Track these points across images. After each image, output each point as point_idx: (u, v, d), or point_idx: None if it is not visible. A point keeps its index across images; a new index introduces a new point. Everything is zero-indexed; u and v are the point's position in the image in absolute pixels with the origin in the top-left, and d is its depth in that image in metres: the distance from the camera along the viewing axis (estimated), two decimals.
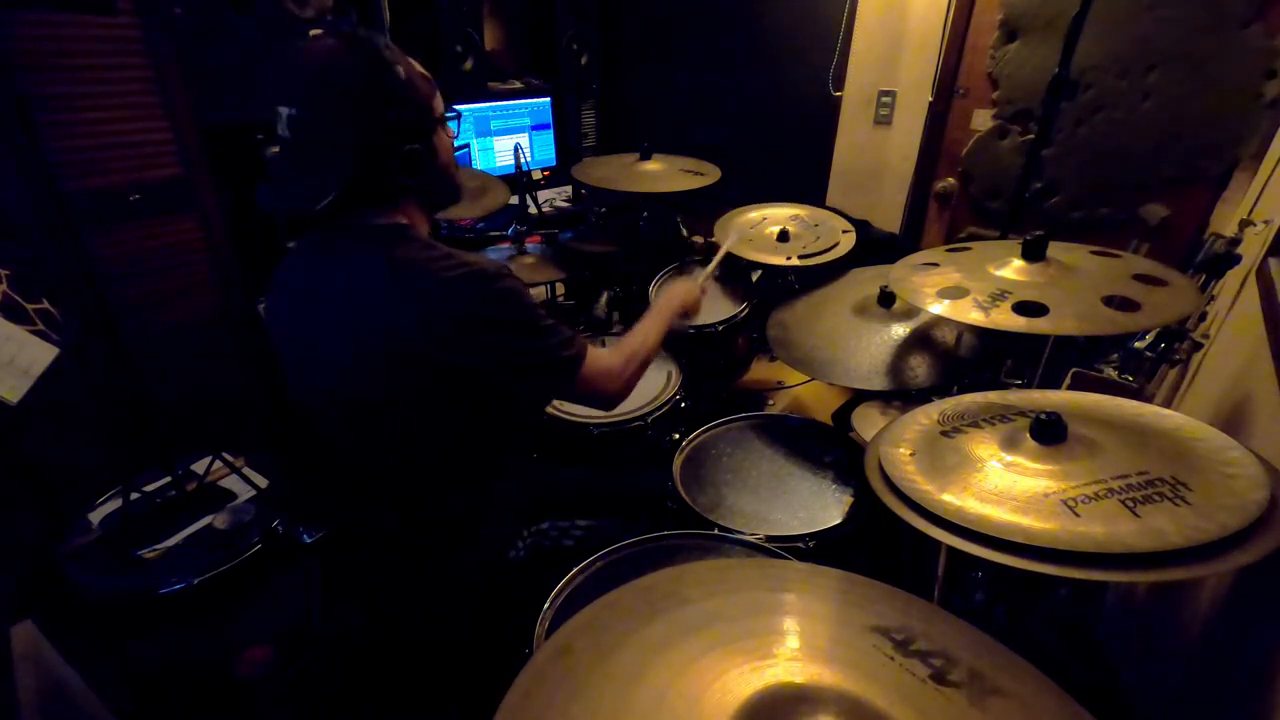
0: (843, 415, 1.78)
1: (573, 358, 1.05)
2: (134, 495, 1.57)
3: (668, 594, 0.69)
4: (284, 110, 0.93)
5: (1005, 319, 1.02)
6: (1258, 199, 1.59)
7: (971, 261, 1.21)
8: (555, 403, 1.61)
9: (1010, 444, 0.85)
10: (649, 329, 1.25)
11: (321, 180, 0.93)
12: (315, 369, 1.06)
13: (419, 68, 0.99)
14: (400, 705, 1.20)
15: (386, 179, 0.97)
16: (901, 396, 1.75)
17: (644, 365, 1.19)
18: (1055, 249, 1.16)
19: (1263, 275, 1.21)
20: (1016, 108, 2.40)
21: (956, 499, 0.78)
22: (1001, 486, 0.79)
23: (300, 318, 1.06)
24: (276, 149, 0.98)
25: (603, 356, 1.11)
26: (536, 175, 3.02)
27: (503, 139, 2.86)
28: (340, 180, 0.93)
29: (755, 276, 2.03)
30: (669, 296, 1.37)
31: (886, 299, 1.53)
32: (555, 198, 3.01)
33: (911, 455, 0.90)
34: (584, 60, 3.05)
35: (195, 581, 1.41)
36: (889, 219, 2.79)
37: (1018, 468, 0.81)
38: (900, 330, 1.49)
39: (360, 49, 0.92)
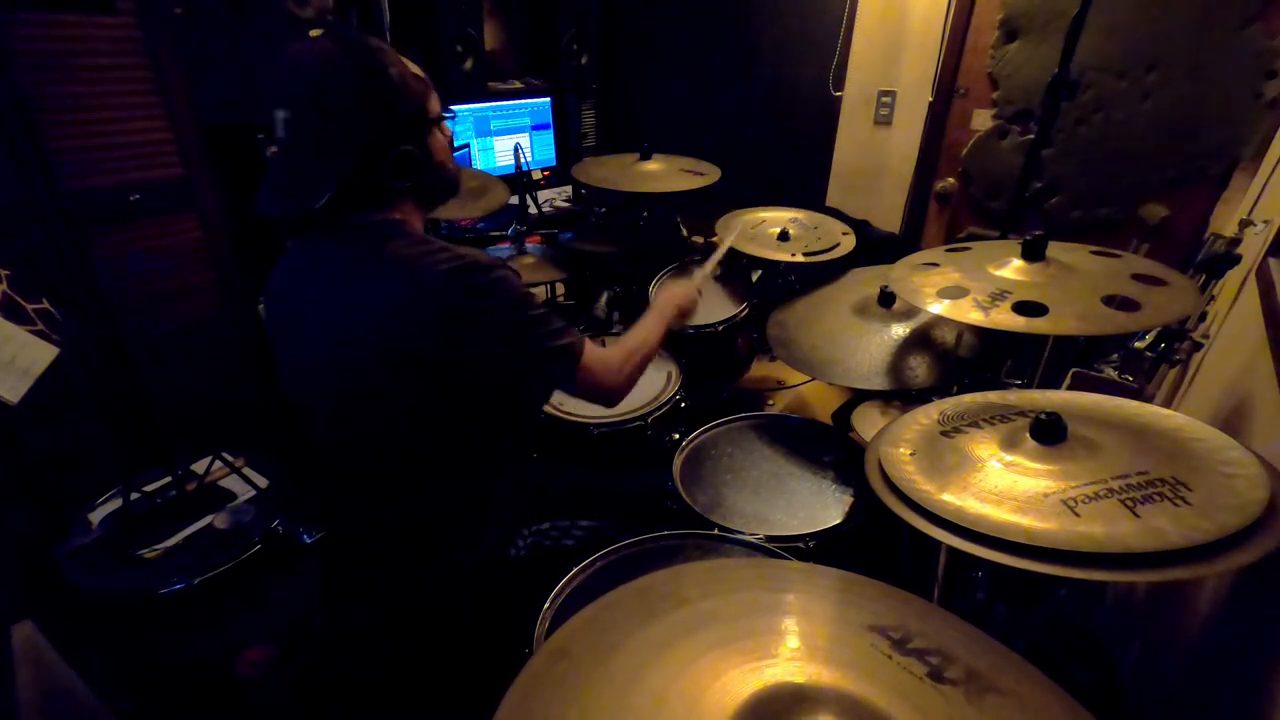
0: (843, 415, 1.78)
1: (567, 347, 1.05)
2: (134, 495, 1.56)
3: (666, 594, 0.69)
4: (279, 113, 0.94)
5: (1005, 319, 1.02)
6: (1258, 199, 1.59)
7: (971, 261, 1.21)
8: (555, 403, 1.61)
9: (1010, 444, 0.85)
10: (648, 329, 1.25)
11: (316, 181, 0.94)
12: (310, 367, 1.06)
13: (414, 68, 1.00)
14: (400, 705, 1.19)
15: (379, 180, 0.97)
16: (901, 396, 1.75)
17: (644, 363, 1.20)
18: (1055, 249, 1.16)
19: (1263, 275, 1.21)
20: (1016, 108, 2.40)
21: (956, 499, 0.78)
22: (1001, 486, 0.79)
23: (295, 316, 1.06)
24: (275, 149, 0.99)
25: (603, 350, 1.12)
26: (536, 175, 3.02)
27: (503, 139, 2.86)
28: (334, 181, 0.93)
29: (755, 276, 2.03)
30: (667, 297, 1.37)
31: (886, 299, 1.53)
32: (555, 198, 3.02)
33: (911, 455, 0.89)
34: (584, 60, 3.05)
35: (195, 581, 1.41)
36: (889, 219, 2.79)
37: (1018, 468, 0.81)
38: (900, 330, 1.49)
39: (353, 51, 0.93)
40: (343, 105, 0.92)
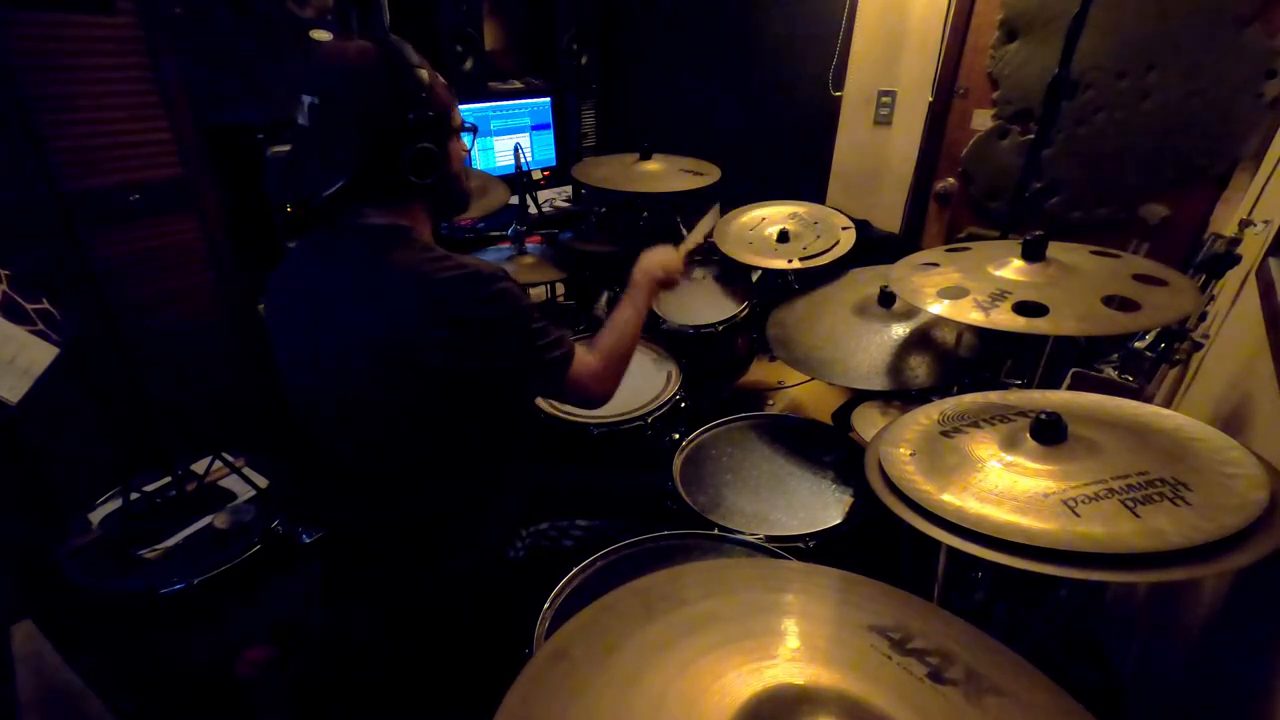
0: (843, 415, 1.78)
1: (562, 359, 1.06)
2: (134, 495, 1.57)
3: (665, 595, 0.69)
4: (307, 98, 0.95)
5: (1005, 319, 1.02)
6: (1258, 199, 1.59)
7: (971, 261, 1.21)
8: (555, 402, 1.61)
9: (1010, 444, 0.85)
10: (626, 317, 1.22)
11: (332, 168, 0.95)
12: (310, 368, 1.06)
13: (442, 79, 1.02)
14: (400, 705, 1.20)
15: (396, 175, 0.98)
16: (901, 396, 1.75)
17: (626, 357, 1.19)
18: (1055, 249, 1.16)
19: (1263, 275, 1.21)
20: (1016, 108, 2.40)
21: (956, 499, 0.78)
22: (1001, 486, 0.79)
23: (297, 317, 1.06)
24: (287, 148, 0.99)
25: (586, 356, 1.12)
26: (536, 175, 3.02)
27: (503, 139, 2.85)
28: (349, 168, 0.94)
29: (755, 276, 2.03)
30: (645, 270, 1.31)
31: (886, 299, 1.53)
32: (555, 198, 3.01)
33: (911, 455, 0.89)
34: (584, 60, 3.05)
35: (195, 581, 1.41)
36: (889, 219, 2.79)
37: (1018, 468, 0.81)
38: (900, 330, 1.49)
39: (390, 50, 0.96)
40: (371, 94, 0.93)
